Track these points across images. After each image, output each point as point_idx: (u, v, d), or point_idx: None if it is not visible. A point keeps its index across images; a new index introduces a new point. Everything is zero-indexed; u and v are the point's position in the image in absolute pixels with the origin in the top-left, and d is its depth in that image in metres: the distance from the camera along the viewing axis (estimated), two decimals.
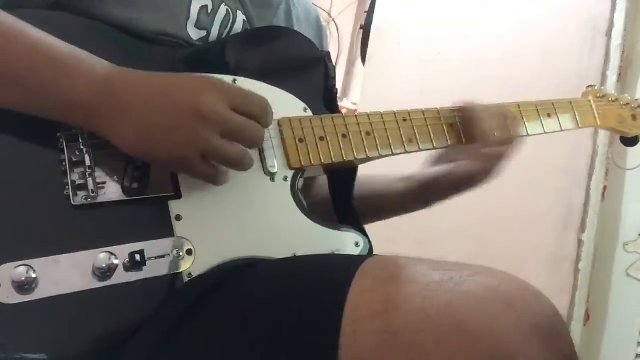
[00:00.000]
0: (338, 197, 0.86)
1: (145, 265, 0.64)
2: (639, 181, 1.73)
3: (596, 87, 1.12)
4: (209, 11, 0.81)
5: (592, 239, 1.72)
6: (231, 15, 0.84)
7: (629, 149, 1.36)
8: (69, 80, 0.63)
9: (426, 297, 0.53)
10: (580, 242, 1.73)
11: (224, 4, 0.83)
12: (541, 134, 0.98)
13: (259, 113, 0.69)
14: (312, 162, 0.77)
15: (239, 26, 0.85)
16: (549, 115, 0.99)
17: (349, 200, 0.84)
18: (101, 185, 0.66)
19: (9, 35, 0.64)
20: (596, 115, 1.07)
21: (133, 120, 0.64)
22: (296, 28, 0.95)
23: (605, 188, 1.75)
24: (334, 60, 0.91)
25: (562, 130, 1.01)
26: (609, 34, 1.79)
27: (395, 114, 0.85)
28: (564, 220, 1.76)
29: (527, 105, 0.97)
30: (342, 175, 0.84)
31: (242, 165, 0.69)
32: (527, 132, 0.96)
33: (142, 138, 0.64)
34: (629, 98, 1.12)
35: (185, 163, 0.65)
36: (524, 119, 0.96)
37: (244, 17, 0.86)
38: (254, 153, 0.71)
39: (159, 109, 0.64)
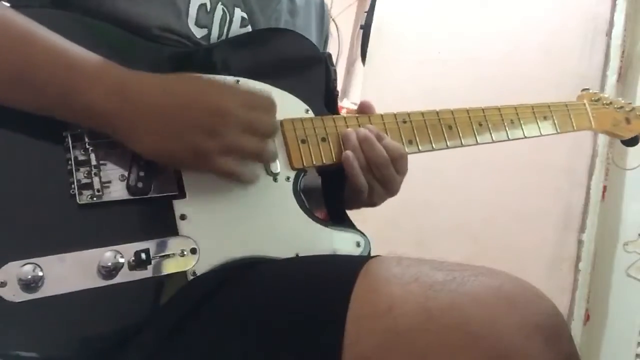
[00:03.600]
0: (331, 198, 0.86)
1: (150, 264, 0.65)
2: (639, 181, 1.73)
3: (591, 91, 1.13)
4: (208, 9, 0.82)
5: (592, 239, 1.72)
6: (227, 14, 0.84)
7: (629, 149, 1.37)
8: (86, 87, 0.64)
9: (429, 297, 0.53)
10: (580, 242, 1.73)
11: (220, 4, 0.83)
12: (538, 136, 0.99)
13: (267, 105, 0.71)
14: (314, 163, 0.78)
15: (236, 24, 0.85)
16: (545, 118, 1.00)
17: (341, 200, 0.85)
18: (106, 185, 0.66)
19: (24, 38, 0.64)
20: (591, 119, 1.08)
21: (150, 125, 0.65)
22: (300, 13, 0.95)
23: (605, 188, 1.75)
24: (334, 60, 0.91)
25: (558, 133, 1.02)
26: (609, 34, 1.80)
27: (395, 115, 0.86)
28: (564, 220, 1.76)
29: (524, 108, 0.99)
30: (335, 175, 0.84)
31: (263, 156, 0.71)
32: (524, 134, 0.97)
33: (160, 141, 0.65)
34: (622, 101, 1.14)
35: (208, 159, 0.67)
36: (521, 121, 0.97)
37: (243, 14, 0.86)
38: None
39: (176, 109, 0.66)
